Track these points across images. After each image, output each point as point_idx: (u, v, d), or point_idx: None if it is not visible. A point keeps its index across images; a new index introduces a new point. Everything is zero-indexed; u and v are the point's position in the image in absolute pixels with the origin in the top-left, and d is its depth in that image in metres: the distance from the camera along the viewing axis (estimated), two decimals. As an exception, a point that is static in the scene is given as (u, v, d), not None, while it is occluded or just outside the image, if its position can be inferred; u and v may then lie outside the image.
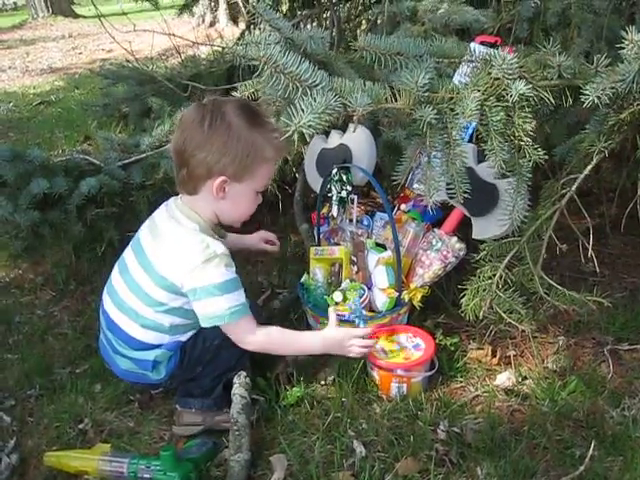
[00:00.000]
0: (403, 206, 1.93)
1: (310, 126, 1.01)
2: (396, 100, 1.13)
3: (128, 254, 1.56)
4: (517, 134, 1.13)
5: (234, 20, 7.77)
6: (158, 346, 1.51)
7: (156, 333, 1.50)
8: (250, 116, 1.41)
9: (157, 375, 1.53)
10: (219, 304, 1.41)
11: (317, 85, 1.09)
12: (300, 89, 1.08)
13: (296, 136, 1.03)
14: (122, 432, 1.56)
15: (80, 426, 1.58)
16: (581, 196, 2.37)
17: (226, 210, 1.49)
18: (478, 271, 1.39)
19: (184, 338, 1.52)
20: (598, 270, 1.97)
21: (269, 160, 1.46)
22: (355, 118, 1.08)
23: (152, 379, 1.55)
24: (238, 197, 1.46)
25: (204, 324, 1.45)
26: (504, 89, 1.11)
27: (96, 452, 1.45)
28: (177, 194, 1.54)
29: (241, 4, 4.25)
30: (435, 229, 1.82)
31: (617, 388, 1.58)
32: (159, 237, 1.49)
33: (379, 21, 2.60)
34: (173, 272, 1.43)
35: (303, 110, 1.03)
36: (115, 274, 1.58)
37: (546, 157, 1.17)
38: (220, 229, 1.57)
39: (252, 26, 3.41)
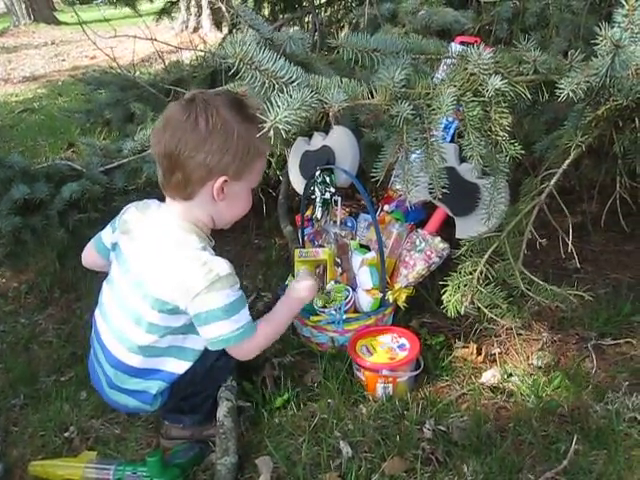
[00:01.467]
0: (386, 207, 1.94)
1: (287, 122, 1.01)
2: (373, 96, 1.13)
3: (118, 277, 1.45)
4: (494, 129, 1.14)
5: (217, 25, 7.79)
6: (157, 376, 1.43)
7: (155, 359, 1.42)
8: (242, 110, 1.33)
9: (154, 406, 1.47)
10: (225, 327, 1.34)
11: (293, 82, 1.08)
12: (276, 86, 1.08)
13: (272, 132, 1.03)
14: (108, 439, 1.55)
15: (66, 434, 1.57)
16: (563, 194, 2.40)
17: (224, 212, 1.41)
18: (459, 267, 1.39)
19: (182, 370, 1.44)
20: (580, 266, 2.02)
21: (264, 154, 1.42)
22: (331, 114, 1.08)
23: (148, 410, 1.50)
24: (236, 196, 1.39)
25: (211, 347, 1.38)
26: (480, 84, 1.12)
27: (82, 460, 1.44)
28: (159, 198, 1.46)
29: (224, 9, 4.26)
30: (418, 229, 1.83)
31: (601, 383, 1.59)
32: (150, 257, 1.38)
33: (361, 24, 2.62)
34: (176, 297, 1.34)
35: (279, 106, 1.02)
36: (107, 299, 1.48)
37: (523, 152, 1.18)
38: (211, 240, 1.48)
39: (235, 31, 3.42)
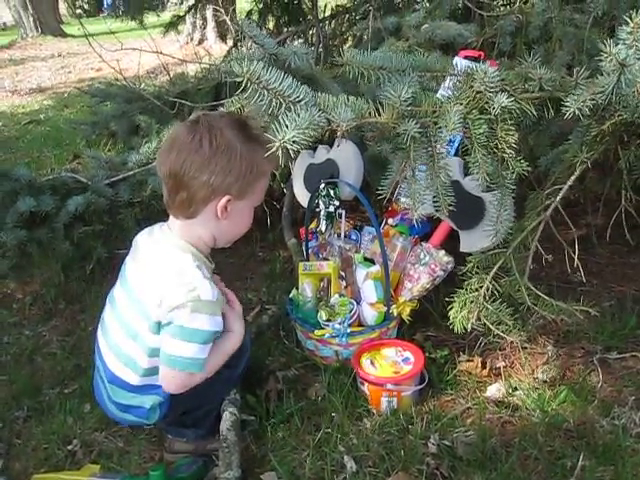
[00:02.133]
0: (390, 220, 1.94)
1: (294, 142, 1.02)
2: (380, 114, 1.14)
3: (119, 294, 1.47)
4: (500, 146, 1.14)
5: (222, 38, 7.85)
6: (152, 392, 1.43)
7: (152, 377, 1.42)
8: (245, 131, 1.36)
9: (152, 420, 1.47)
10: (188, 351, 1.33)
11: (301, 101, 1.09)
12: (284, 105, 1.09)
13: (280, 152, 1.03)
14: (111, 452, 1.54)
15: (69, 447, 1.56)
16: (568, 207, 2.39)
17: (226, 230, 1.42)
18: (465, 283, 1.39)
19: None
20: (585, 280, 2.01)
21: (267, 174, 1.44)
22: (339, 133, 1.09)
23: (147, 424, 1.51)
24: (239, 215, 1.40)
25: (162, 361, 1.36)
26: (486, 102, 1.12)
27: (85, 473, 1.43)
28: (165, 212, 1.47)
29: (229, 22, 4.30)
30: (423, 243, 1.83)
31: (607, 397, 1.58)
32: (146, 275, 1.40)
33: (364, 37, 2.63)
34: (157, 311, 1.35)
35: (287, 126, 1.03)
36: (108, 316, 1.49)
37: (529, 169, 1.18)
38: (210, 261, 1.48)
39: (239, 43, 3.45)
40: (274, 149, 1.02)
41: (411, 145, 1.14)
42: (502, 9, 2.56)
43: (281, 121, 1.04)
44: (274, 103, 1.09)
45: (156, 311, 1.34)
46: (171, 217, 1.42)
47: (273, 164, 1.43)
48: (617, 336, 1.79)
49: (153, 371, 1.41)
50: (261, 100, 1.08)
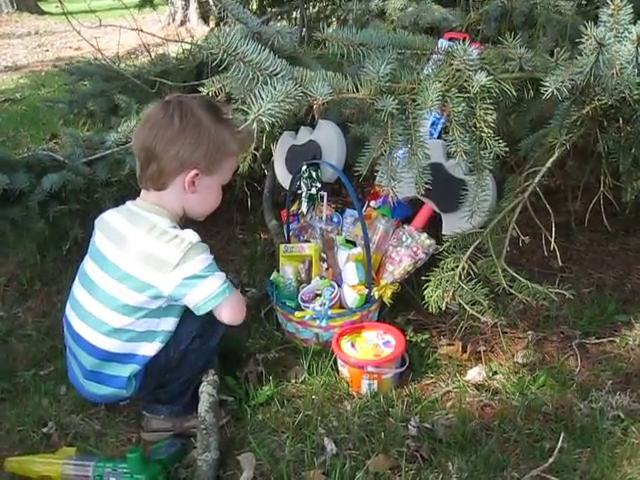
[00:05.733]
0: (373, 202, 1.93)
1: (270, 114, 1.01)
2: (358, 90, 1.13)
3: (91, 268, 1.50)
4: (479, 125, 1.14)
5: (205, 19, 7.73)
6: (130, 360, 1.45)
7: (131, 343, 1.44)
8: (215, 112, 1.47)
9: (130, 391, 1.48)
10: (211, 285, 1.41)
11: (277, 74, 1.08)
12: (260, 78, 1.07)
13: (255, 124, 1.02)
14: (88, 435, 1.52)
15: (44, 430, 1.53)
16: (548, 193, 2.41)
17: (194, 204, 1.50)
18: (441, 263, 1.40)
19: (153, 352, 1.46)
20: (565, 265, 2.03)
21: (234, 154, 1.54)
22: (315, 107, 1.08)
23: (125, 396, 1.51)
24: (206, 190, 1.49)
25: (204, 310, 1.42)
26: (465, 80, 1.12)
27: (60, 456, 1.40)
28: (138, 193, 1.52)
29: (212, 2, 4.23)
30: (405, 225, 1.82)
31: (585, 381, 1.60)
32: (128, 244, 1.43)
33: (349, 20, 2.60)
34: (152, 274, 1.39)
35: (263, 98, 1.02)
36: (79, 290, 1.51)
37: (507, 149, 1.18)
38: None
39: (222, 24, 3.39)
40: (249, 121, 1.02)
41: (389, 122, 1.13)
42: (487, -7, 2.55)
43: (257, 93, 1.03)
44: (251, 76, 1.07)
45: (150, 273, 1.39)
46: (143, 191, 1.50)
47: (241, 146, 1.55)
48: (596, 321, 1.81)
49: (129, 335, 1.44)
50: (238, 73, 1.06)
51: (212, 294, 1.41)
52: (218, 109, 1.49)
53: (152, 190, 1.47)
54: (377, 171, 1.24)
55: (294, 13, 3.18)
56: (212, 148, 1.44)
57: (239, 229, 2.48)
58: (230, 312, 1.45)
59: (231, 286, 1.45)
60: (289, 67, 1.10)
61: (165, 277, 1.39)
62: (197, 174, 1.44)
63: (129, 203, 1.52)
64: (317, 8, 3.22)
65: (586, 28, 1.16)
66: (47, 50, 8.28)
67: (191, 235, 1.42)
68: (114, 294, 1.42)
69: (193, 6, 8.14)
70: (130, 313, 1.42)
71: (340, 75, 1.15)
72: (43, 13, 12.01)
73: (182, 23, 8.22)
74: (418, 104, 1.12)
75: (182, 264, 1.38)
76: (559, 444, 1.34)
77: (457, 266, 1.32)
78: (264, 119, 1.01)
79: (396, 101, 1.12)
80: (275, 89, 1.04)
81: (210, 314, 1.47)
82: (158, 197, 1.47)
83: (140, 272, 1.40)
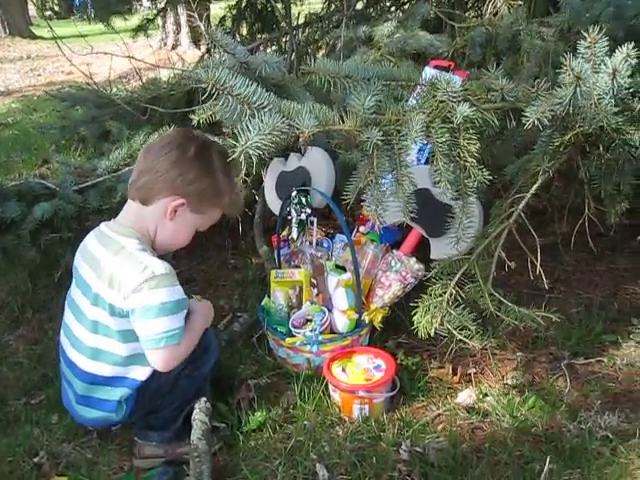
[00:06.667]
0: (362, 228, 1.95)
1: (257, 147, 1.04)
2: (344, 122, 1.16)
3: (74, 292, 1.52)
4: (462, 155, 1.17)
5: (196, 43, 7.82)
6: (120, 384, 1.46)
7: (120, 367, 1.45)
8: (228, 164, 1.47)
9: (120, 415, 1.49)
10: (160, 326, 1.37)
11: (265, 107, 1.11)
12: (248, 111, 1.10)
13: (243, 157, 1.04)
14: (80, 464, 1.51)
15: (35, 459, 1.53)
16: (535, 215, 2.44)
17: (166, 232, 1.48)
18: (429, 289, 1.42)
19: (143, 377, 1.46)
20: (553, 286, 2.06)
21: (223, 207, 1.54)
22: (301, 140, 1.10)
23: (115, 420, 1.51)
24: (183, 225, 1.49)
25: (144, 346, 1.41)
26: (449, 111, 1.15)
27: (52, 486, 1.41)
28: None
29: (202, 27, 4.28)
30: (394, 250, 1.84)
31: (574, 402, 1.61)
32: (99, 268, 1.43)
33: (337, 46, 2.65)
34: (116, 298, 1.39)
35: (250, 131, 1.05)
36: (68, 315, 1.54)
37: (490, 177, 1.21)
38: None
39: (213, 49, 3.44)
40: (237, 154, 1.04)
41: (374, 152, 1.16)
42: (472, 20, 2.61)
43: (245, 126, 1.05)
44: (239, 109, 1.10)
45: (113, 295, 1.39)
46: (128, 200, 1.50)
47: (231, 206, 1.56)
48: (584, 342, 1.83)
49: (116, 359, 1.44)
50: (226, 106, 1.09)
51: (158, 335, 1.38)
52: (231, 164, 1.47)
53: (136, 202, 1.46)
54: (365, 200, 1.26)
55: (283, 39, 3.24)
56: (209, 191, 1.45)
57: (231, 254, 2.50)
58: (160, 362, 1.42)
59: (179, 335, 1.40)
60: (276, 100, 1.13)
61: (122, 300, 1.38)
62: (183, 204, 1.44)
63: (102, 225, 1.52)
64: (306, 34, 3.27)
65: (565, 59, 1.20)
66: (39, 74, 8.34)
67: (157, 265, 1.38)
68: (93, 317, 1.44)
69: (184, 30, 8.23)
70: (110, 335, 1.43)
71: (326, 107, 1.18)
72: (35, 37, 12.10)
73: (174, 47, 8.31)
74: (403, 135, 1.15)
75: (138, 292, 1.36)
76: (548, 465, 1.36)
77: (445, 292, 1.34)
78: (251, 152, 1.03)
79: (381, 132, 1.15)
80: (262, 122, 1.06)
81: (203, 340, 1.49)
82: (138, 211, 1.46)
83: (108, 295, 1.40)
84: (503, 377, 1.72)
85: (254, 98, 1.09)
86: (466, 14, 2.92)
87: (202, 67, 1.24)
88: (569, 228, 2.17)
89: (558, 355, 1.79)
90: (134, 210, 1.47)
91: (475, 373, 1.74)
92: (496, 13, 2.45)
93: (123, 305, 1.39)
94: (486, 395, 1.65)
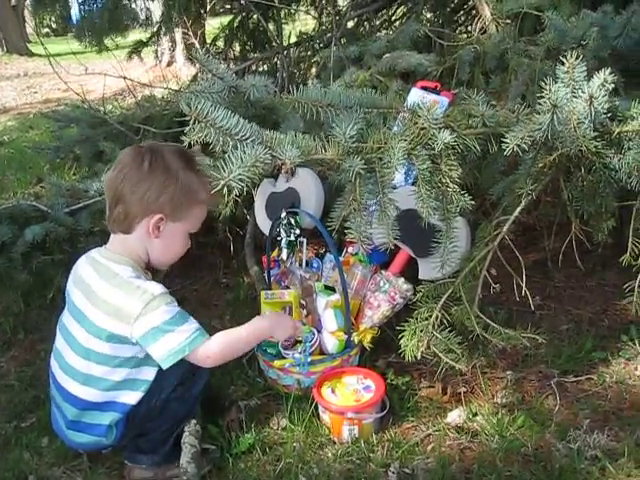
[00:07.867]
0: (350, 249, 1.96)
1: (240, 179, 1.05)
2: (326, 151, 1.17)
3: (66, 318, 1.52)
4: (444, 181, 1.18)
5: (191, 60, 7.85)
6: (110, 408, 1.46)
7: (110, 392, 1.45)
8: (186, 159, 1.47)
9: (110, 439, 1.49)
10: (173, 340, 1.38)
11: (247, 138, 1.12)
12: (231, 143, 1.11)
13: (226, 189, 1.06)
14: (69, 488, 1.52)
15: (25, 484, 1.53)
16: (526, 231, 2.44)
17: (158, 250, 1.49)
18: (415, 312, 1.43)
19: (133, 401, 1.46)
20: (543, 303, 2.06)
21: (203, 202, 1.51)
22: (283, 170, 1.12)
23: (106, 444, 1.51)
24: (171, 237, 1.48)
25: (166, 364, 1.40)
26: (430, 138, 1.16)
27: (41, 511, 1.40)
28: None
29: (197, 45, 4.32)
30: (382, 271, 1.85)
31: (563, 420, 1.61)
32: (93, 296, 1.44)
33: (328, 65, 2.68)
34: (118, 327, 1.40)
35: (233, 163, 1.06)
36: (59, 340, 1.54)
37: (472, 203, 1.23)
38: (147, 273, 1.54)
39: (201, 74, 3.46)
40: (219, 187, 1.05)
41: (357, 181, 1.17)
42: (461, 39, 2.64)
43: (227, 158, 1.07)
44: (222, 141, 1.11)
45: (112, 323, 1.39)
46: (111, 237, 1.51)
47: (211, 196, 1.47)
48: (573, 359, 1.83)
49: (108, 384, 1.44)
50: (209, 137, 1.10)
51: (174, 348, 1.38)
52: (189, 157, 1.48)
53: (119, 233, 1.48)
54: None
55: (275, 58, 3.27)
56: (179, 194, 1.43)
57: (222, 273, 2.51)
58: (201, 362, 1.43)
59: (198, 337, 1.40)
60: (259, 131, 1.14)
61: (129, 328, 1.38)
62: (162, 219, 1.43)
63: (94, 251, 1.53)
64: (297, 53, 3.30)
65: (546, 84, 1.22)
66: (36, 92, 8.38)
67: (154, 287, 1.41)
68: (86, 344, 1.44)
69: (179, 47, 8.27)
70: (104, 362, 1.43)
71: (308, 136, 1.19)
72: (32, 55, 12.18)
73: (169, 64, 8.35)
74: (385, 163, 1.16)
75: (143, 316, 1.37)
76: (536, 487, 1.36)
77: (431, 315, 1.35)
78: (234, 184, 1.04)
79: (363, 161, 1.16)
80: (245, 153, 1.08)
81: (191, 362, 1.49)
82: (123, 241, 1.47)
83: (105, 323, 1.40)
84: (493, 396, 1.72)
85: (236, 130, 1.10)
86: (455, 32, 2.95)
87: (189, 93, 1.25)
88: (559, 244, 2.19)
89: (548, 373, 1.79)
90: (120, 240, 1.49)
91: (465, 392, 1.74)
92: (484, 31, 2.48)
93: (128, 333, 1.39)
94: (476, 414, 1.65)
